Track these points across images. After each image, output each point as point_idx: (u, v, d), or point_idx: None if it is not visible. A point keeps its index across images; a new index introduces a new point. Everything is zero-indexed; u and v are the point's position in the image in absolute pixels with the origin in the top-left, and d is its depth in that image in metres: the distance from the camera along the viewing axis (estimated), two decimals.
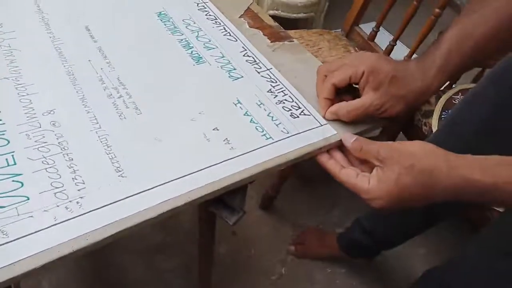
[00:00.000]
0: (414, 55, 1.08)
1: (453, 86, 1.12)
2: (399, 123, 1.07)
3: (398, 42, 1.10)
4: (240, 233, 1.20)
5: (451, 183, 0.42)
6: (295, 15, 1.56)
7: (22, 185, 0.40)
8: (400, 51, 1.21)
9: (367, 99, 0.50)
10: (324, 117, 0.53)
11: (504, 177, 0.41)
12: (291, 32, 1.15)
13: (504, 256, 0.62)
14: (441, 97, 1.05)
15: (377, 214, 0.98)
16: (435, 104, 1.04)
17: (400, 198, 0.44)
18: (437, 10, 0.96)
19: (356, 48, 1.15)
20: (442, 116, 1.01)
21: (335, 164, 0.48)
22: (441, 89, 1.13)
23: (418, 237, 1.24)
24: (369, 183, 0.44)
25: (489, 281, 0.64)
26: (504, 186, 0.41)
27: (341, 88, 0.53)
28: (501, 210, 0.85)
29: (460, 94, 1.06)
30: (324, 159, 0.50)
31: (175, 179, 0.43)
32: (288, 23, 1.42)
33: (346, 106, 0.51)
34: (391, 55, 1.10)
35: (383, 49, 1.12)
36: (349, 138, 0.49)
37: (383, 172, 0.44)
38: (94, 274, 1.07)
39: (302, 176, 1.34)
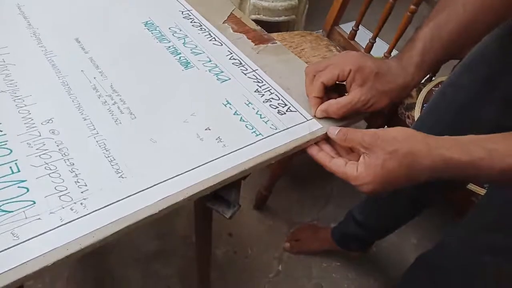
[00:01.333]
0: (394, 51, 1.12)
1: (433, 78, 1.17)
2: (383, 116, 1.11)
3: (377, 39, 1.14)
4: (236, 234, 1.22)
5: (432, 163, 0.46)
6: (276, 18, 1.60)
7: (28, 190, 0.42)
8: (380, 48, 1.25)
9: (354, 95, 0.54)
10: (315, 116, 0.56)
11: (480, 154, 0.45)
12: (274, 35, 1.19)
13: (487, 232, 0.65)
14: (421, 90, 1.10)
15: (369, 206, 1.02)
16: (416, 97, 1.09)
17: (387, 181, 0.47)
18: (412, 6, 1.01)
19: (338, 48, 1.19)
20: (424, 107, 1.06)
21: (324, 156, 0.52)
22: (422, 81, 1.17)
23: (410, 228, 1.29)
24: (357, 170, 0.48)
25: (473, 256, 0.68)
26: (480, 163, 0.45)
27: (329, 87, 0.56)
28: (482, 193, 0.90)
29: (439, 86, 1.10)
30: (314, 151, 0.53)
31: (173, 177, 0.46)
32: (270, 27, 1.46)
33: (335, 104, 0.54)
34: (371, 52, 1.15)
35: (364, 46, 1.16)
36: (333, 130, 0.52)
37: (369, 158, 0.47)
38: (94, 285, 1.08)
39: (293, 175, 1.37)
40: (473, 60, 0.73)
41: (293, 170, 1.36)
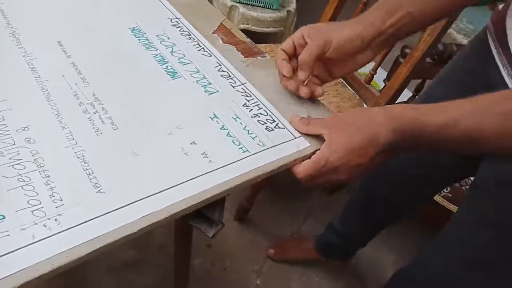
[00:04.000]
0: (380, 69, 1.13)
1: (416, 97, 1.18)
2: None
3: None
4: (215, 245, 1.20)
5: (386, 119, 0.46)
6: (265, 29, 1.59)
7: None
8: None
9: (310, 41, 0.55)
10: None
11: (439, 116, 0.45)
12: (262, 46, 1.18)
13: (462, 247, 0.66)
14: None
15: (347, 214, 1.05)
16: None
17: (350, 148, 0.47)
18: None
19: None
20: None
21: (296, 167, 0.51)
22: (405, 100, 1.19)
23: (389, 243, 1.30)
24: (320, 151, 0.49)
25: (450, 271, 0.68)
26: (433, 118, 0.45)
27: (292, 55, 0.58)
28: (455, 210, 0.91)
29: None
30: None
31: (154, 194, 0.44)
32: (257, 37, 1.45)
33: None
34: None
35: None
36: (295, 118, 0.55)
37: (331, 134, 0.49)
38: None
39: (275, 187, 1.36)
40: (447, 73, 0.76)
41: (275, 182, 1.34)
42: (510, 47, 0.59)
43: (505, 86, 0.60)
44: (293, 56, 0.59)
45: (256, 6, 1.57)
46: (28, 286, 0.35)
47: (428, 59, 1.02)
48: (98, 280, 1.07)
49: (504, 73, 0.60)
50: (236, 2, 1.56)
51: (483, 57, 0.65)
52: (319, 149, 0.50)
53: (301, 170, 0.50)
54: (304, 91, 0.58)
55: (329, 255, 1.14)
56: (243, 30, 0.75)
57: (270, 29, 1.59)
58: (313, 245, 1.14)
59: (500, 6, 0.65)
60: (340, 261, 1.18)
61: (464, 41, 1.80)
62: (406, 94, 1.17)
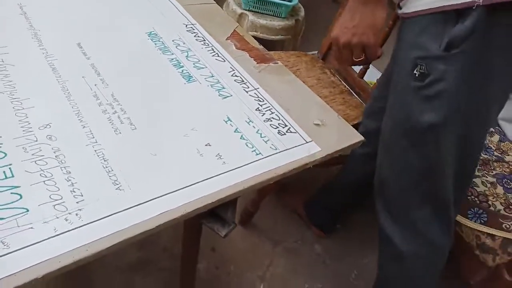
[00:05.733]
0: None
1: None
2: None
3: (370, 66, 1.16)
4: (219, 249, 1.21)
5: None
6: (273, 37, 1.61)
7: (21, 197, 0.41)
8: (373, 74, 1.28)
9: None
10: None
11: None
12: (271, 53, 1.20)
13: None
14: None
15: (336, 179, 1.15)
16: None
17: (343, 13, 0.62)
18: None
19: (332, 70, 1.21)
20: None
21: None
22: None
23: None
24: None
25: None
26: None
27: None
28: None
29: None
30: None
31: (171, 192, 0.45)
32: (265, 45, 1.46)
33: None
34: (364, 78, 1.17)
35: (357, 72, 1.18)
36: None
37: None
38: None
39: (281, 193, 1.37)
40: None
41: (280, 188, 1.35)
42: None
43: None
44: None
45: (265, 14, 1.60)
46: (38, 285, 0.36)
47: None
48: (105, 282, 1.07)
49: None
50: (246, 10, 1.59)
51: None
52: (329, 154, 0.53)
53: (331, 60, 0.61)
54: None
55: (313, 218, 1.24)
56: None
57: (279, 37, 1.61)
58: (302, 204, 1.24)
59: None
60: (320, 230, 1.25)
61: None
62: None
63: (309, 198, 1.24)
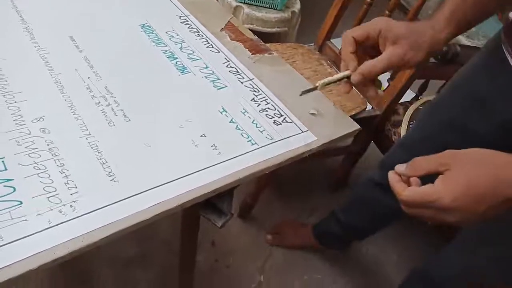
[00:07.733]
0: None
1: (420, 97, 1.20)
2: (370, 132, 1.13)
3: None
4: (218, 242, 1.21)
5: None
6: (269, 29, 1.61)
7: (14, 190, 0.41)
8: None
9: (389, 51, 0.53)
10: (353, 81, 0.55)
11: None
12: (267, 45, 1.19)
13: (481, 245, 0.67)
14: (408, 107, 1.12)
15: (352, 207, 1.06)
16: (403, 115, 1.11)
17: (469, 192, 0.40)
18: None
19: (328, 62, 1.21)
20: (410, 125, 1.08)
21: (400, 185, 0.46)
22: (409, 100, 1.20)
23: (390, 244, 1.30)
24: (434, 185, 0.42)
25: (473, 266, 0.70)
26: None
27: (362, 46, 0.55)
28: None
29: (426, 104, 1.13)
30: (393, 180, 0.47)
31: (166, 183, 0.45)
32: (261, 37, 1.46)
33: (371, 62, 0.54)
34: None
35: None
36: (401, 167, 0.46)
37: (451, 172, 0.41)
38: (69, 286, 1.04)
39: (279, 185, 1.37)
40: (461, 79, 0.75)
41: (279, 180, 1.35)
42: None
43: None
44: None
45: (261, 6, 1.59)
46: (34, 278, 0.36)
47: (432, 59, 1.03)
48: (102, 275, 1.07)
49: None
50: (241, 2, 1.58)
51: (498, 67, 0.65)
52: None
53: (406, 193, 0.44)
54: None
55: (326, 243, 1.17)
56: None
57: (275, 29, 1.60)
58: (312, 231, 1.17)
59: (510, 14, 0.65)
60: (335, 250, 1.20)
61: (467, 42, 1.81)
62: (409, 94, 1.18)
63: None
